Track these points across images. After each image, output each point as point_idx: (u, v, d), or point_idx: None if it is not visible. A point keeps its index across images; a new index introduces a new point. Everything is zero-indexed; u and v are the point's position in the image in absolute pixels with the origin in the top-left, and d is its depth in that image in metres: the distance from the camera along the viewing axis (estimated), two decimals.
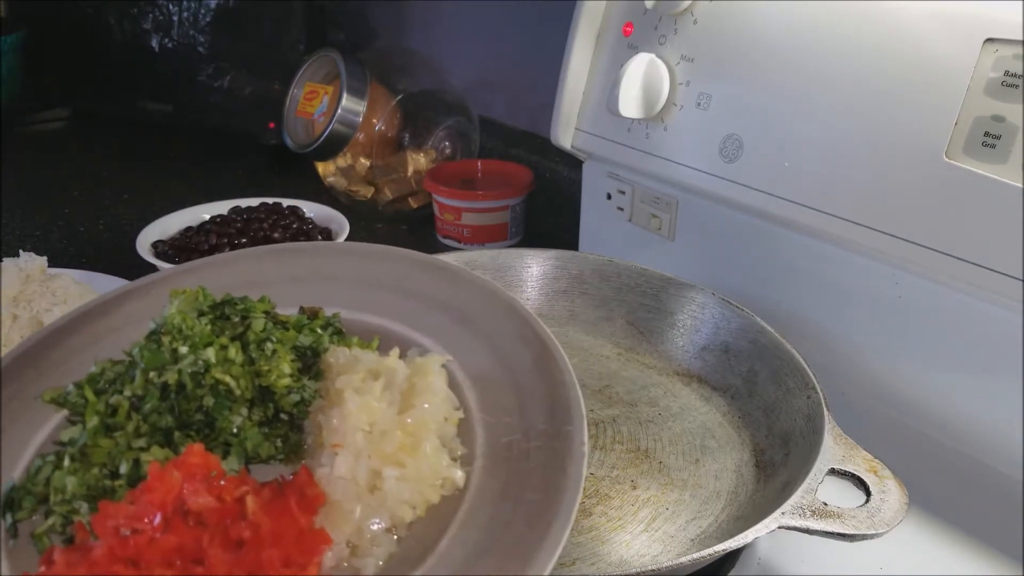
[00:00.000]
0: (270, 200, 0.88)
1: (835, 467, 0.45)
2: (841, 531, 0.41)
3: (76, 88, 1.37)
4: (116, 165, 1.22)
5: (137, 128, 1.34)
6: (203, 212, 0.86)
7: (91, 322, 0.48)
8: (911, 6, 0.53)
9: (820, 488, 0.43)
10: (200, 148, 1.27)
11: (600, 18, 0.73)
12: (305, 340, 0.45)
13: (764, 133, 0.61)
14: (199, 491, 0.36)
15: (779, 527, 0.41)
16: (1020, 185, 0.48)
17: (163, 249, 0.78)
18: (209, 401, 0.41)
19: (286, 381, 0.42)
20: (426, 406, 0.40)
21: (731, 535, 0.41)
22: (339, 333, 0.47)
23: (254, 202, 0.88)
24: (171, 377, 0.41)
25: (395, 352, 0.43)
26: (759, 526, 0.41)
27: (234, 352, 0.42)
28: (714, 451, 0.55)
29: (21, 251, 0.69)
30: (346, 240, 0.81)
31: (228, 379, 0.41)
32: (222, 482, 0.37)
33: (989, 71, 0.49)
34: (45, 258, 0.69)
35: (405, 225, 1.02)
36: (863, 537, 0.41)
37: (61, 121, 1.42)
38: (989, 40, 0.49)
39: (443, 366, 0.43)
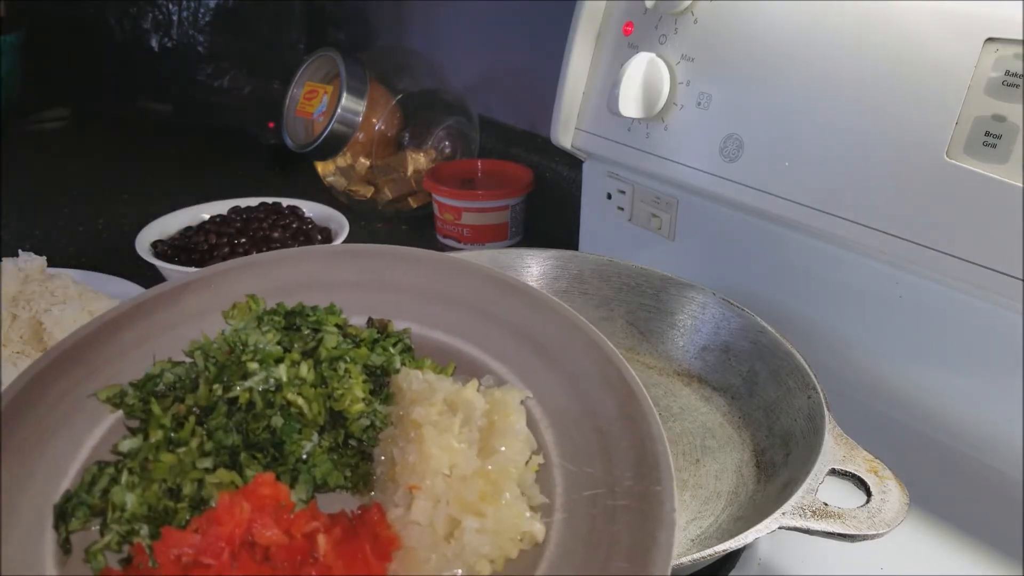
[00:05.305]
0: (270, 200, 0.88)
1: (836, 467, 0.45)
2: (842, 531, 0.41)
3: (76, 88, 1.37)
4: (116, 165, 1.22)
5: (137, 128, 1.34)
6: (203, 212, 0.86)
7: (147, 315, 0.44)
8: (911, 6, 0.53)
9: (820, 488, 0.43)
10: (200, 148, 1.27)
11: (600, 18, 0.73)
12: (376, 359, 0.42)
13: (764, 133, 0.61)
14: (268, 524, 0.34)
15: (779, 527, 0.41)
16: (1020, 185, 0.47)
17: (163, 249, 0.78)
18: (278, 422, 0.38)
19: (360, 406, 0.40)
20: (504, 449, 0.37)
21: (731, 535, 0.41)
22: (408, 351, 0.44)
23: (254, 202, 0.88)
24: (242, 396, 0.38)
25: (473, 384, 0.40)
26: (759, 526, 0.40)
27: (306, 370, 0.40)
28: (714, 451, 0.55)
29: (21, 251, 0.69)
30: (346, 240, 0.81)
31: (300, 400, 0.39)
32: (291, 515, 0.35)
33: (990, 71, 0.49)
34: (44, 258, 0.68)
35: (405, 225, 1.02)
36: (864, 537, 0.41)
37: (61, 121, 1.42)
38: (990, 40, 0.49)
39: (522, 402, 0.40)
